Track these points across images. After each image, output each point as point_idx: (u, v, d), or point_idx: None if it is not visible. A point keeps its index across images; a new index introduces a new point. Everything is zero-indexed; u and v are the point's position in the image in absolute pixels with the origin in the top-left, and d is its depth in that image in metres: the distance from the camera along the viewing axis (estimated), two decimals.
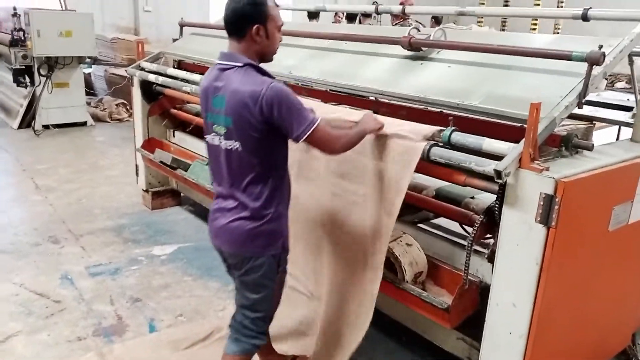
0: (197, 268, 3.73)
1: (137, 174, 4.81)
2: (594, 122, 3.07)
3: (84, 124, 7.83)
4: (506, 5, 12.34)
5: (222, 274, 3.59)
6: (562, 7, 11.38)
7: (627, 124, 2.73)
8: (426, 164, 2.30)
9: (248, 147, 1.97)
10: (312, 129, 1.93)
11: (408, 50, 2.74)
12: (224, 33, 4.38)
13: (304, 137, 1.94)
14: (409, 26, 7.01)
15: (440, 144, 2.23)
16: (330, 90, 3.15)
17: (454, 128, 2.20)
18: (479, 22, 11.32)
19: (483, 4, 12.09)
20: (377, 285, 2.34)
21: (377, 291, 2.36)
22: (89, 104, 8.15)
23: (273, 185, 2.06)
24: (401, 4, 7.47)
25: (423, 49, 2.71)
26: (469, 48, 2.50)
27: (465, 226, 2.74)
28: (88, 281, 3.53)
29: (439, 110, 2.63)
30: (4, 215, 4.59)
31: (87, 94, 8.12)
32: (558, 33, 11.19)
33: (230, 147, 1.99)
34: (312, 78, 3.10)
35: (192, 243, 4.13)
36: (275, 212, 2.08)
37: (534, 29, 10.99)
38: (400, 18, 7.72)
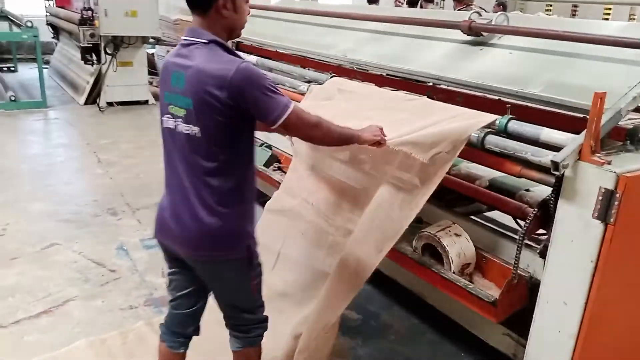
0: None
1: None
2: None
3: (146, 102, 8.08)
4: None
5: None
6: None
7: None
8: (480, 153, 2.22)
9: (209, 133, 1.76)
10: (288, 112, 1.76)
11: (468, 35, 2.65)
12: (284, 15, 4.42)
13: (280, 121, 1.76)
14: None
15: (495, 132, 2.15)
16: (386, 74, 3.10)
17: (511, 116, 2.12)
18: (547, 10, 10.81)
19: None
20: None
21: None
22: (151, 83, 8.39)
23: (235, 180, 1.84)
24: None
25: (484, 34, 2.62)
26: (532, 34, 2.39)
27: (518, 220, 2.65)
28: (142, 253, 3.66)
29: (497, 97, 2.53)
30: (68, 187, 4.84)
31: (150, 73, 8.36)
32: (634, 20, 10.55)
33: (188, 132, 1.78)
34: (367, 61, 3.06)
35: None
36: (237, 211, 1.86)
37: (607, 18, 10.41)
38: (464, 3, 7.50)
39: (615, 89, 1.97)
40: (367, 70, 3.27)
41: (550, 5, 10.48)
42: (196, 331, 2.17)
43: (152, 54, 9.42)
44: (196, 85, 1.73)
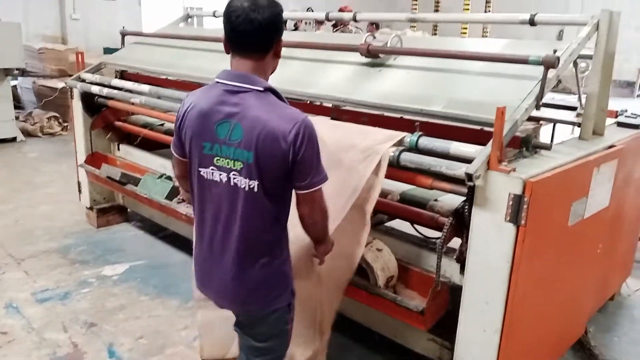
0: (153, 286, 3.59)
1: (79, 191, 4.58)
2: (540, 121, 3.21)
3: (14, 139, 7.39)
4: (437, 10, 12.79)
5: (181, 291, 3.51)
6: (489, 10, 11.91)
7: (573, 123, 2.87)
8: (391, 169, 2.32)
9: (268, 186, 1.71)
10: (321, 185, 1.75)
11: (366, 57, 2.77)
12: (167, 42, 4.27)
13: (311, 190, 1.74)
14: (350, 32, 7.11)
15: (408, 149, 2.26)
16: (289, 98, 3.11)
17: (420, 133, 2.24)
18: (412, 26, 11.65)
19: (415, 9, 12.45)
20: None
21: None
22: (17, 118, 7.69)
23: (281, 230, 1.84)
24: (341, 10, 7.59)
25: (381, 55, 2.74)
26: (428, 54, 2.56)
27: (417, 226, 2.78)
28: (36, 308, 3.31)
29: (399, 116, 2.66)
30: None
31: (15, 107, 7.65)
32: (486, 36, 11.71)
33: (244, 186, 1.70)
34: None
35: (145, 261, 3.97)
36: (282, 256, 1.87)
37: (464, 33, 11.46)
38: (340, 24, 7.84)
39: (508, 102, 2.16)
40: None
41: (415, 23, 11.28)
42: None
43: (15, 86, 8.65)
44: (259, 138, 1.64)
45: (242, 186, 1.71)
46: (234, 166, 1.70)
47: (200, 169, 1.77)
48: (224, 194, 1.75)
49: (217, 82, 1.74)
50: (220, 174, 1.73)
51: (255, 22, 1.66)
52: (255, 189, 1.70)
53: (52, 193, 5.44)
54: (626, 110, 3.17)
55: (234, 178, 1.71)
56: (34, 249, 4.14)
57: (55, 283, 3.63)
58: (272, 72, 1.82)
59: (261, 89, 1.69)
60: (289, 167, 1.69)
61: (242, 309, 1.91)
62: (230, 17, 1.68)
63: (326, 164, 1.78)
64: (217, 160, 1.72)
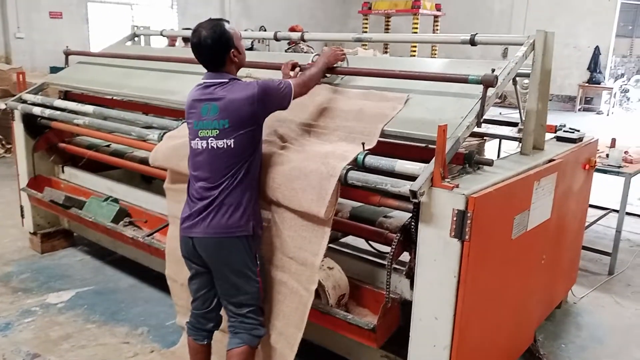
0: (100, 313, 3.46)
1: (22, 216, 4.39)
2: (484, 137, 3.31)
3: None
4: (387, 30, 13.07)
5: (129, 317, 3.40)
6: (437, 31, 12.26)
7: (515, 139, 2.97)
8: (342, 187, 2.33)
9: (241, 141, 2.24)
10: (292, 92, 2.36)
11: None
12: (113, 61, 4.18)
13: (291, 100, 2.37)
14: (301, 50, 7.09)
15: (355, 168, 2.28)
16: None
17: (367, 151, 2.27)
18: (364, 46, 11.88)
19: (366, 30, 12.68)
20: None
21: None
22: None
23: (251, 172, 2.31)
24: (291, 29, 7.65)
25: (327, 75, 2.77)
26: (374, 74, 2.60)
27: (372, 242, 2.81)
28: None
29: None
30: None
31: None
32: (435, 55, 12.03)
33: (221, 146, 2.25)
34: None
35: (92, 287, 3.83)
36: (250, 196, 2.31)
37: (414, 52, 11.76)
38: (292, 43, 7.90)
39: (450, 120, 2.23)
40: None
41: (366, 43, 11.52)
42: (216, 327, 2.53)
43: None
44: (232, 109, 2.23)
45: (220, 146, 2.25)
46: (211, 134, 2.26)
47: (191, 142, 2.35)
48: (206, 155, 2.29)
49: (202, 81, 2.35)
50: (206, 142, 2.28)
51: (201, 52, 2.31)
52: (231, 146, 2.24)
53: None
54: (564, 125, 3.31)
55: (211, 142, 2.26)
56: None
57: None
58: (241, 65, 2.44)
59: (227, 80, 2.30)
60: (259, 120, 2.30)
61: (206, 242, 2.30)
62: (191, 45, 2.33)
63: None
64: (200, 132, 2.29)
